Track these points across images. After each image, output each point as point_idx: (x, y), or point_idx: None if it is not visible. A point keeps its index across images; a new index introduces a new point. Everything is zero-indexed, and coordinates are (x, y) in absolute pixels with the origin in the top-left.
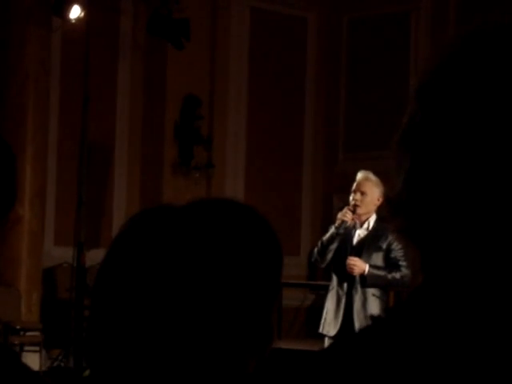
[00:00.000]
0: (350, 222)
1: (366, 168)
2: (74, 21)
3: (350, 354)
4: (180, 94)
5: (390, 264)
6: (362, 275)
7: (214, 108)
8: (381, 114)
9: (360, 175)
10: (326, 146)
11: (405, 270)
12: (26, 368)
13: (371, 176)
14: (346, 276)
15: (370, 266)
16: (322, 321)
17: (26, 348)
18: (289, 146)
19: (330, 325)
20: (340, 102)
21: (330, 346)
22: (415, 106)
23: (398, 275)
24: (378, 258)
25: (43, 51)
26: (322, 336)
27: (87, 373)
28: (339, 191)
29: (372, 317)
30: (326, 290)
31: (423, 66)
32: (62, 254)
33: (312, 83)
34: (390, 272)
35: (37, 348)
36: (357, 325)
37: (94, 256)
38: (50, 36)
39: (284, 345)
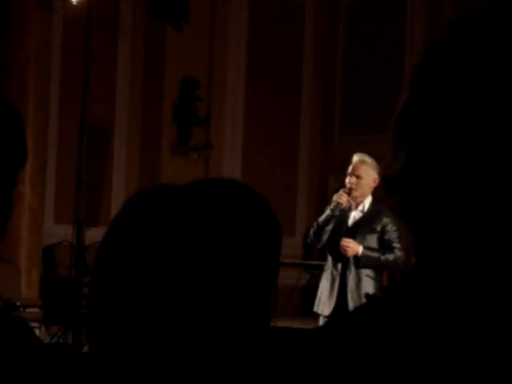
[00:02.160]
0: (345, 204)
1: (361, 150)
2: (75, 2)
3: (344, 332)
4: (179, 75)
5: (384, 246)
6: (356, 256)
7: (212, 90)
8: (377, 97)
9: (355, 158)
10: (322, 127)
11: (398, 252)
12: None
13: (367, 159)
14: (341, 257)
15: (364, 247)
16: (317, 300)
17: None
18: (286, 127)
19: (324, 304)
20: (336, 84)
21: (325, 324)
22: (414, 85)
23: (391, 257)
24: (372, 240)
25: (45, 33)
26: (317, 315)
27: (86, 349)
28: (335, 172)
29: (367, 295)
30: (320, 269)
31: (419, 48)
32: (62, 232)
33: (309, 66)
34: (383, 254)
35: (36, 324)
36: (351, 305)
37: (94, 234)
38: (52, 17)
39: (279, 323)
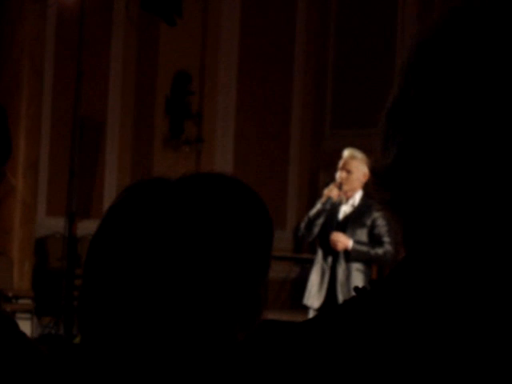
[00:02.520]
0: (336, 199)
1: (352, 144)
2: None
3: (333, 325)
4: (171, 69)
5: (374, 240)
6: (346, 250)
7: (205, 84)
8: (368, 91)
9: (346, 153)
10: (313, 122)
11: (387, 246)
12: (24, 336)
13: (357, 154)
14: (331, 250)
15: (354, 241)
16: (307, 293)
17: (18, 315)
18: (277, 121)
19: (314, 297)
20: (328, 78)
21: (315, 316)
22: (404, 80)
23: (380, 251)
24: (362, 234)
25: (38, 26)
26: (307, 307)
27: (78, 340)
28: (326, 167)
29: (356, 288)
30: (311, 263)
31: (410, 42)
32: (54, 224)
33: (301, 60)
34: (373, 248)
35: (28, 315)
36: (340, 298)
37: (85, 226)
38: (46, 11)
39: (270, 315)
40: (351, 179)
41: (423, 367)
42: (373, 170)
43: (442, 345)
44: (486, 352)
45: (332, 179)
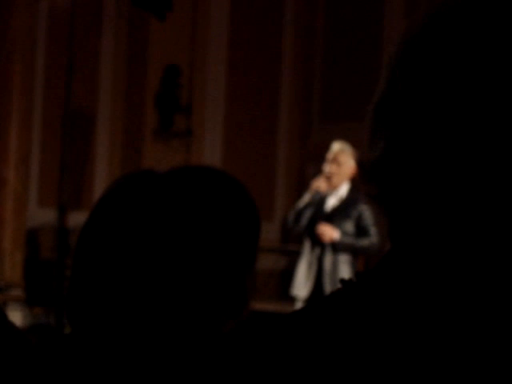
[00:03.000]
0: (323, 191)
1: (340, 137)
2: None
3: (319, 317)
4: (161, 63)
5: (360, 232)
6: (333, 242)
7: (194, 77)
8: (356, 85)
9: (336, 146)
10: (301, 115)
11: (373, 238)
12: (12, 326)
13: (347, 147)
14: (318, 242)
15: (341, 233)
16: (294, 284)
17: (9, 305)
18: (266, 115)
19: (301, 288)
20: (316, 72)
21: (301, 309)
22: (391, 74)
23: (366, 242)
24: (348, 226)
25: (30, 20)
26: (294, 298)
27: (67, 330)
28: (313, 160)
29: (342, 280)
30: (298, 254)
31: (397, 36)
32: (46, 216)
33: (289, 55)
34: (359, 239)
35: (19, 305)
36: (327, 288)
37: (76, 218)
38: (37, 5)
39: (257, 306)
40: (340, 172)
41: (407, 358)
42: (360, 164)
43: (426, 337)
44: (468, 345)
45: (320, 172)
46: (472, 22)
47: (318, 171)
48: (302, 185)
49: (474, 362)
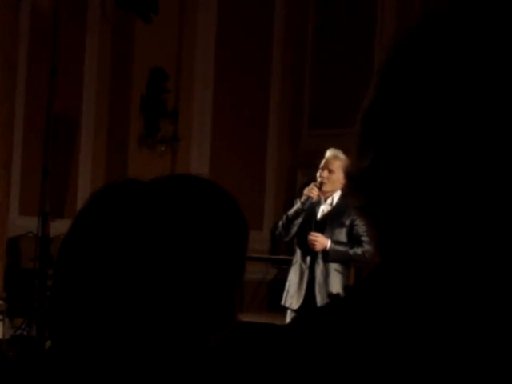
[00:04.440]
0: (315, 198)
1: (330, 144)
2: None
3: (309, 332)
4: (147, 67)
5: (353, 240)
6: (325, 250)
7: (181, 82)
8: (345, 91)
9: (329, 153)
10: (290, 121)
11: (366, 246)
12: None
13: (340, 154)
14: (310, 250)
15: (333, 241)
16: (285, 294)
17: None
18: (254, 120)
19: (292, 298)
20: (305, 78)
21: (291, 322)
22: (381, 81)
23: (359, 251)
24: (340, 234)
25: (11, 22)
26: (284, 309)
27: (49, 343)
28: (303, 167)
29: (330, 295)
30: (288, 264)
31: (388, 42)
32: (27, 224)
33: (278, 60)
34: (351, 247)
35: (0, 317)
36: (318, 299)
37: (59, 226)
38: (19, 6)
39: (246, 318)
40: (332, 179)
41: (395, 373)
42: (348, 174)
43: (414, 353)
44: (464, 359)
45: (309, 179)
46: (463, 29)
47: (307, 178)
48: (292, 193)
49: (468, 375)
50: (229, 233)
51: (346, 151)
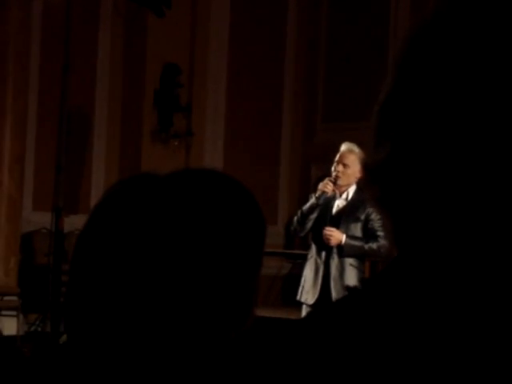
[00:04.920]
0: (330, 193)
1: (344, 138)
2: None
3: (326, 325)
4: (160, 61)
5: (368, 234)
6: (340, 245)
7: (194, 76)
8: (360, 85)
9: (344, 147)
10: (304, 116)
11: (382, 241)
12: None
13: (355, 148)
14: (325, 245)
15: (348, 236)
16: (300, 289)
17: (4, 313)
18: (268, 115)
19: (308, 293)
20: (319, 71)
21: (307, 316)
22: (398, 72)
23: (375, 245)
24: (356, 229)
25: (24, 17)
26: (300, 304)
27: (64, 338)
28: (317, 161)
29: (348, 287)
30: (302, 258)
31: (404, 33)
32: (41, 220)
33: (292, 53)
34: (367, 242)
35: (14, 313)
36: (334, 294)
37: (72, 222)
38: (31, 2)
39: (261, 313)
40: (347, 173)
41: (413, 366)
42: (365, 166)
43: (433, 346)
44: (478, 353)
45: (323, 173)
46: (482, 17)
47: (321, 173)
48: (306, 187)
49: (487, 366)
50: (247, 227)
51: (360, 145)
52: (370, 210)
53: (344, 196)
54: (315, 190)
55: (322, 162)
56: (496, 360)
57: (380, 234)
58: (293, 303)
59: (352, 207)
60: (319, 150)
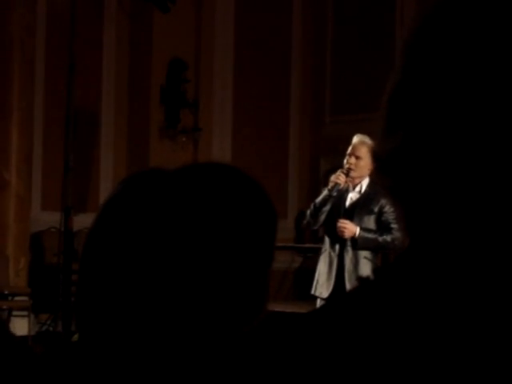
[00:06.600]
0: (342, 185)
1: (352, 130)
2: None
3: (339, 316)
4: (166, 57)
5: (382, 227)
6: (354, 238)
7: (201, 71)
8: (367, 76)
9: (356, 139)
10: (312, 108)
11: (396, 233)
12: (12, 336)
13: (367, 140)
14: (338, 238)
15: (361, 228)
16: (315, 283)
17: (15, 313)
18: (275, 108)
19: (322, 287)
20: (326, 64)
21: (320, 308)
22: (406, 62)
23: (389, 238)
24: (369, 221)
25: (29, 16)
26: (314, 298)
27: (76, 337)
28: (326, 154)
29: (360, 278)
30: (313, 252)
31: (410, 23)
32: (50, 219)
33: (298, 46)
34: (381, 235)
35: (25, 313)
36: (348, 287)
37: (82, 220)
38: (36, 1)
39: (272, 307)
40: (360, 165)
41: (424, 358)
42: (375, 156)
43: (442, 336)
44: (487, 346)
45: (333, 166)
46: (491, 4)
47: (330, 165)
48: (316, 181)
49: (491, 369)
50: (258, 221)
51: (370, 136)
52: (383, 202)
53: (357, 189)
54: (324, 183)
55: (330, 154)
56: (499, 351)
57: (394, 226)
58: (304, 297)
59: (365, 200)
60: (328, 142)
